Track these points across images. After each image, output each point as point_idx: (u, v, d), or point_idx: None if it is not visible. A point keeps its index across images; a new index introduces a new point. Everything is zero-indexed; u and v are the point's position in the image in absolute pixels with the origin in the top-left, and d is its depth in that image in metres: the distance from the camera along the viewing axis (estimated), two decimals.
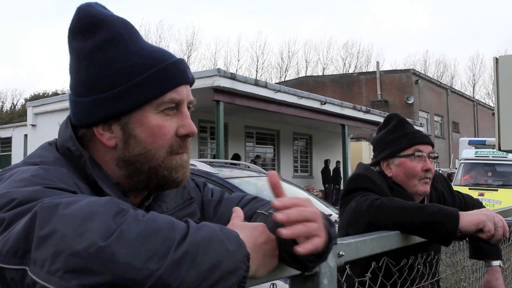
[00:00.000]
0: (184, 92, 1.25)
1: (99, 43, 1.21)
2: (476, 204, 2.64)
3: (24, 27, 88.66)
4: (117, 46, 1.21)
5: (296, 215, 1.04)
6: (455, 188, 2.80)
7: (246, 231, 1.06)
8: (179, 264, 0.88)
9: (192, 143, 1.31)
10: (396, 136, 2.49)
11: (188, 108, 1.29)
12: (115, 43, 1.21)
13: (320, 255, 1.16)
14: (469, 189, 14.15)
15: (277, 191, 1.10)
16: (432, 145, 2.49)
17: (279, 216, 1.03)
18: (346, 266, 1.67)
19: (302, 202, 1.08)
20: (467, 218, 1.99)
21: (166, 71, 1.22)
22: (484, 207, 2.51)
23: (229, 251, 0.95)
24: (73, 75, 1.25)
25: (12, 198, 0.95)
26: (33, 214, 0.88)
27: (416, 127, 2.61)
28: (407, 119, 2.70)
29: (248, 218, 1.36)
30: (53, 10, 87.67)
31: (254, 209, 1.40)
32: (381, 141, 2.55)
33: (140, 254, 0.85)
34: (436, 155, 2.51)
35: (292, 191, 6.35)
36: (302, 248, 1.05)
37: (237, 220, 1.15)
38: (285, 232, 1.03)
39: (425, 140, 2.49)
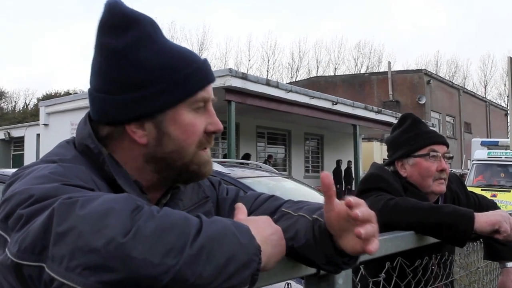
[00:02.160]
0: (211, 91, 1.29)
1: (133, 41, 1.20)
2: (491, 205, 2.62)
3: (36, 28, 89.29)
4: (150, 44, 1.21)
5: (366, 214, 1.07)
6: (468, 189, 2.78)
7: (253, 224, 1.06)
8: (196, 259, 0.88)
9: None
10: (410, 136, 2.47)
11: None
12: (148, 42, 1.21)
13: (355, 258, 1.18)
14: (482, 190, 14.06)
15: (330, 193, 1.10)
16: (447, 145, 2.48)
17: (359, 214, 1.04)
18: (360, 266, 1.67)
19: (363, 203, 1.10)
20: (483, 219, 1.98)
21: (200, 71, 1.25)
22: (499, 208, 2.50)
23: (242, 244, 0.96)
24: (101, 72, 1.24)
25: (31, 195, 0.95)
26: (51, 211, 0.88)
27: (430, 127, 2.59)
28: (421, 119, 2.68)
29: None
30: (65, 12, 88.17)
31: (272, 207, 1.40)
32: (395, 140, 2.54)
33: (157, 250, 0.86)
34: (451, 155, 2.50)
35: (304, 192, 6.33)
36: (373, 248, 1.08)
37: (241, 216, 1.17)
38: (362, 231, 1.04)
39: (440, 140, 2.47)
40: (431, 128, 3.07)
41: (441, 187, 2.41)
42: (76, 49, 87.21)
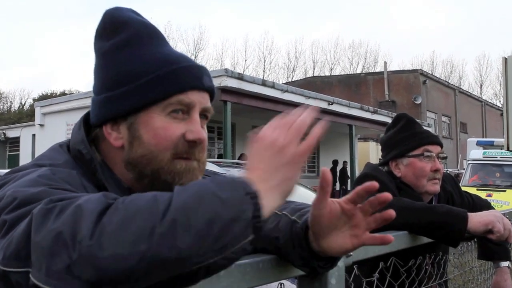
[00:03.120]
0: (195, 97, 1.21)
1: (118, 43, 1.21)
2: (484, 205, 2.63)
3: (35, 28, 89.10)
4: (134, 46, 1.21)
5: None
6: (463, 188, 2.79)
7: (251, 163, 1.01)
8: (169, 235, 0.84)
9: None
10: (405, 136, 2.48)
11: (205, 117, 1.26)
12: (133, 44, 1.21)
13: (331, 262, 1.18)
14: (477, 189, 14.10)
15: (327, 189, 1.11)
16: (441, 146, 2.49)
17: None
18: (354, 266, 1.67)
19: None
20: (476, 219, 1.99)
21: (176, 73, 1.19)
22: (493, 208, 2.50)
23: (223, 200, 0.88)
24: (94, 75, 1.26)
25: (14, 198, 0.95)
26: (30, 218, 0.87)
27: (424, 128, 2.61)
28: (415, 119, 2.69)
29: None
30: (66, 13, 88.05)
31: None
32: (389, 140, 2.54)
33: (124, 241, 0.82)
34: (445, 155, 2.51)
35: (300, 192, 6.34)
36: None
37: None
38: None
39: (434, 140, 2.48)
40: (426, 128, 3.08)
41: (435, 187, 2.41)
42: (75, 50, 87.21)
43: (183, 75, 1.20)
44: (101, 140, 1.24)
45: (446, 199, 2.56)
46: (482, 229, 1.99)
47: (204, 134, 1.22)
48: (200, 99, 1.22)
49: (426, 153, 2.41)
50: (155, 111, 1.18)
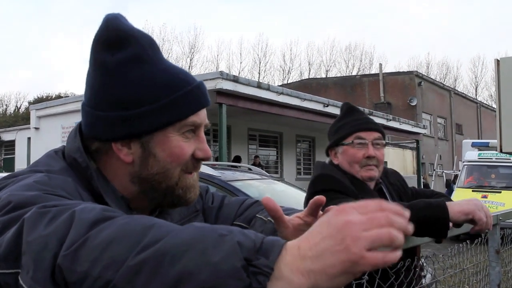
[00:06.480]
0: (203, 116, 1.27)
1: (127, 59, 1.19)
2: (429, 194, 2.61)
3: (28, 32, 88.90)
4: (143, 64, 1.20)
5: None
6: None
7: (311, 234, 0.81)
8: (136, 273, 0.77)
9: None
10: (341, 125, 2.53)
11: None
12: (142, 61, 1.20)
13: None
14: (473, 191, 14.18)
15: (278, 215, 1.13)
16: (379, 131, 2.49)
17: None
18: None
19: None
20: (456, 208, 1.95)
21: (191, 95, 1.23)
22: (446, 196, 2.52)
23: (209, 262, 0.75)
24: (95, 88, 1.23)
25: (9, 201, 0.95)
26: (22, 222, 0.88)
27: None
28: (357, 107, 2.69)
29: (248, 222, 1.39)
30: (65, 15, 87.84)
31: (254, 212, 1.42)
32: (330, 130, 2.60)
33: (99, 262, 0.79)
34: (383, 141, 2.49)
35: (295, 194, 6.34)
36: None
37: None
38: None
39: (367, 126, 2.49)
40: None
41: (370, 173, 2.41)
42: (72, 53, 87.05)
43: (196, 96, 1.25)
44: (103, 153, 1.25)
45: (397, 189, 2.59)
46: (462, 218, 1.95)
47: (210, 152, 1.31)
48: (205, 117, 1.29)
49: (356, 140, 2.42)
50: (170, 131, 1.22)
